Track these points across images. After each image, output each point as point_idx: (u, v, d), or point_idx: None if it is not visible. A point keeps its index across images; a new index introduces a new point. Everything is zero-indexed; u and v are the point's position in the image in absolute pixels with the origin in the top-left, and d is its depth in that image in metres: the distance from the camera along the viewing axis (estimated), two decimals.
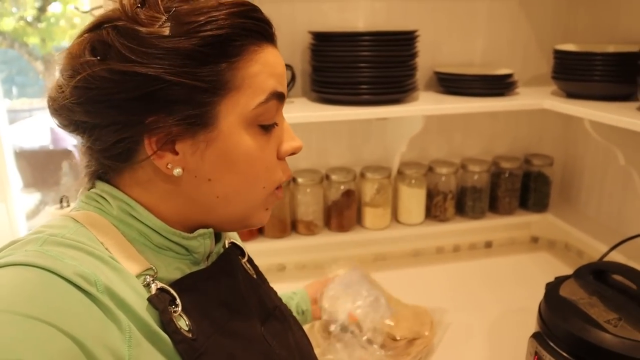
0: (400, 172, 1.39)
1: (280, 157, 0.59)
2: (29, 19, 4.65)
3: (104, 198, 0.54)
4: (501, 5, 1.39)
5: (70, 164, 3.01)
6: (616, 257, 1.16)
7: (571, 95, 1.24)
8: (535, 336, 0.86)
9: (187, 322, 0.52)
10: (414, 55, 1.23)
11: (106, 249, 0.50)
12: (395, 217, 1.44)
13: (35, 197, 3.17)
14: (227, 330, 0.56)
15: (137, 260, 0.52)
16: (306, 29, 1.26)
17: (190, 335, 0.51)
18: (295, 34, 1.29)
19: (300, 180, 1.32)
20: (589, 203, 1.46)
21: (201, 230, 0.57)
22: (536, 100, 1.26)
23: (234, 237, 0.72)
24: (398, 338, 1.03)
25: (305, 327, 0.80)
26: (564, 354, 0.80)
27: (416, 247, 1.53)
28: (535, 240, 1.61)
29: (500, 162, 1.45)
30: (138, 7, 0.50)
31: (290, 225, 1.37)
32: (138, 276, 0.51)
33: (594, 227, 1.37)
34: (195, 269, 0.58)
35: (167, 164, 0.52)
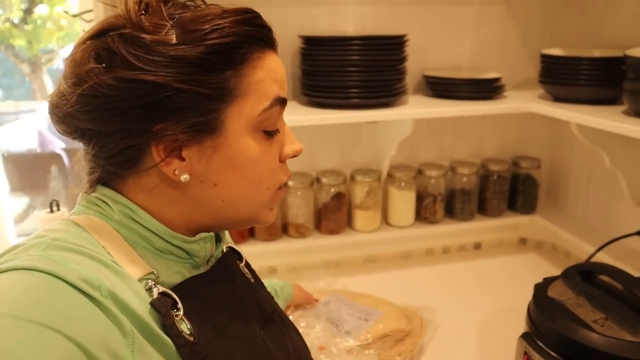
0: (390, 175, 1.40)
1: (282, 160, 0.60)
2: (15, 20, 4.59)
3: (105, 202, 0.54)
4: (489, 10, 1.41)
5: (58, 167, 2.98)
6: (603, 258, 1.18)
7: (558, 99, 1.26)
8: (525, 336, 0.88)
9: (188, 326, 0.52)
10: (403, 60, 1.24)
11: (108, 253, 0.50)
12: (385, 219, 1.45)
13: (23, 201, 3.13)
14: (227, 333, 0.56)
15: (138, 265, 0.52)
16: (296, 33, 1.27)
17: (192, 339, 0.51)
18: (285, 39, 1.29)
19: (290, 183, 1.32)
20: (576, 205, 1.48)
21: (202, 234, 0.58)
22: (524, 104, 1.27)
23: (230, 241, 0.72)
24: (389, 333, 1.05)
25: None
26: (553, 353, 0.81)
27: (406, 249, 1.54)
28: (523, 241, 1.62)
29: (489, 164, 1.46)
30: (142, 14, 0.50)
31: (281, 228, 1.37)
32: (140, 280, 0.51)
33: (581, 229, 1.39)
34: (195, 272, 0.58)
35: (175, 171, 0.52)
